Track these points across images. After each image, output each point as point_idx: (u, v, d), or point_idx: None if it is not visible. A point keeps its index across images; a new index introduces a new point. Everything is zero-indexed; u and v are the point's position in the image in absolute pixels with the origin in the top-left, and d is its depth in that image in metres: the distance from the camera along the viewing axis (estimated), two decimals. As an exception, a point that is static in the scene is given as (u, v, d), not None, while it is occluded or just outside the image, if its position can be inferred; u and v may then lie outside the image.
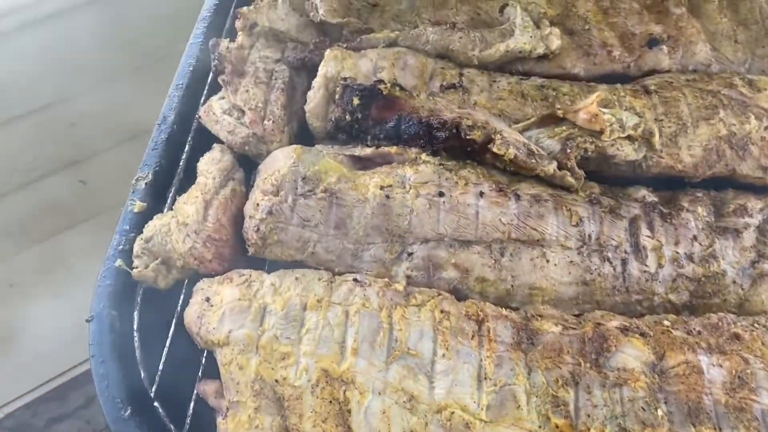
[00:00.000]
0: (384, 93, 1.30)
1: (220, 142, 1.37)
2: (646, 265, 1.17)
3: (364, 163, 1.29)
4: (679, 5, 1.54)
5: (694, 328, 1.09)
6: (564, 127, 1.27)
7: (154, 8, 2.27)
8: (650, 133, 1.28)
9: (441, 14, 1.57)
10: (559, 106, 1.30)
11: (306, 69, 1.48)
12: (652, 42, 1.49)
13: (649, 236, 1.19)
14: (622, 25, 1.52)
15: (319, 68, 1.38)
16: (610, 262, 1.16)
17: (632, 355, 1.05)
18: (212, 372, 1.11)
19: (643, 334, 1.08)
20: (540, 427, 1.00)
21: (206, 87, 1.48)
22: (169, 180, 1.33)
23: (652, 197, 1.26)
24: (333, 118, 1.33)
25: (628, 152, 1.28)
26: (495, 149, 1.21)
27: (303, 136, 1.41)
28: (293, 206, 1.18)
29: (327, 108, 1.36)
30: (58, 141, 2.43)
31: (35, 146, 2.38)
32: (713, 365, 1.04)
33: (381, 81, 1.32)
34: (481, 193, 1.20)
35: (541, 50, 1.46)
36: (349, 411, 1.00)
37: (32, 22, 2.08)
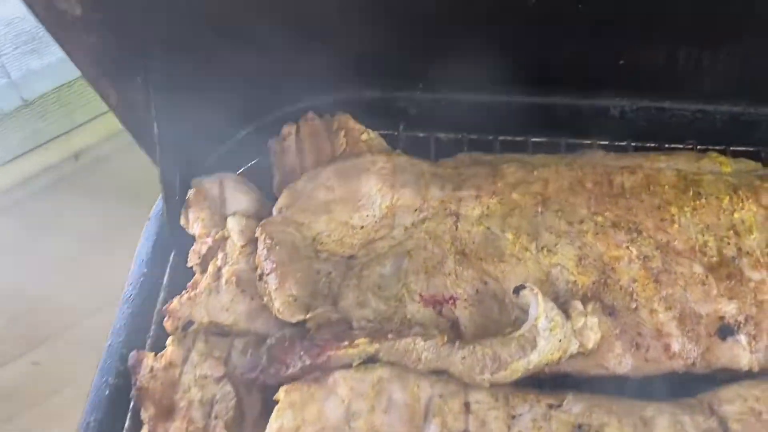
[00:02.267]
0: (361, 483, 0.92)
1: None
2: None
3: None
4: (757, 267, 1.14)
5: None
6: None
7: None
8: None
9: (435, 283, 1.18)
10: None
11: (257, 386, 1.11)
12: (724, 329, 1.10)
13: None
14: (680, 299, 1.12)
15: (271, 419, 1.00)
16: None
17: None
18: None
19: None
20: None
21: (127, 417, 1.11)
22: None
23: None
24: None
25: None
26: None
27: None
28: None
29: (285, 474, 0.99)
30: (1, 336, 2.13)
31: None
32: None
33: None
34: None
35: (574, 350, 1.08)
36: None
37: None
